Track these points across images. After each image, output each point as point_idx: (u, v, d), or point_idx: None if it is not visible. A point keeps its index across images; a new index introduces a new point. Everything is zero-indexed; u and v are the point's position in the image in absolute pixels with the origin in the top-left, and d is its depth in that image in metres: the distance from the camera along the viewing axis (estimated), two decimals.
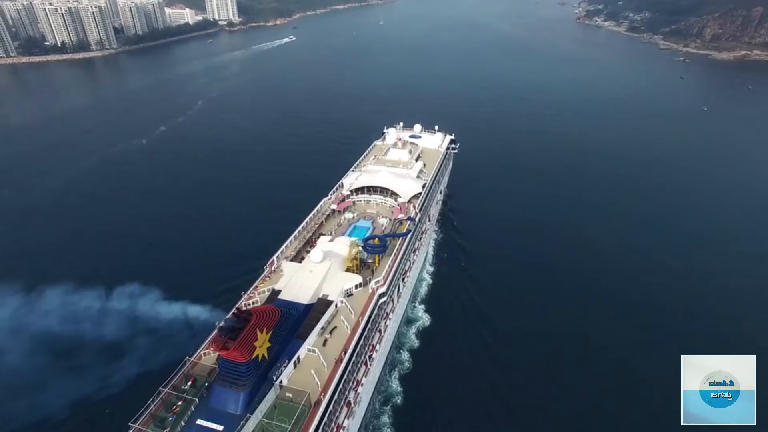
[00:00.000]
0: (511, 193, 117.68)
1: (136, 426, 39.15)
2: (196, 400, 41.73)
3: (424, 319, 78.41)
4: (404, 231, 68.79)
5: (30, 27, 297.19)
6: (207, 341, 47.35)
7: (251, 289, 57.36)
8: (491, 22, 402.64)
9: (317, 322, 50.49)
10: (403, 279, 71.98)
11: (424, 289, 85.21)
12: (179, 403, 40.80)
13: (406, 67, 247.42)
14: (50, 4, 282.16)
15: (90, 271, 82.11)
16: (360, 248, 60.87)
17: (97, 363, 51.40)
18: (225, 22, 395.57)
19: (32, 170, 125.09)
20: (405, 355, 71.22)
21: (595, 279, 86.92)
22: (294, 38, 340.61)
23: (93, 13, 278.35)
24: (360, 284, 57.41)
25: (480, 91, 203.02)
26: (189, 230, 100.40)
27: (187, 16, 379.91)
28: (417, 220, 73.54)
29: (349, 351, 48.93)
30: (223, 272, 78.88)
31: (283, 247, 64.93)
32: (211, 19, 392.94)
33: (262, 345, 42.24)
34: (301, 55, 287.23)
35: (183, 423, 39.79)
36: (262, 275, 60.36)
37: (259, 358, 42.07)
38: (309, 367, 46.43)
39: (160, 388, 42.38)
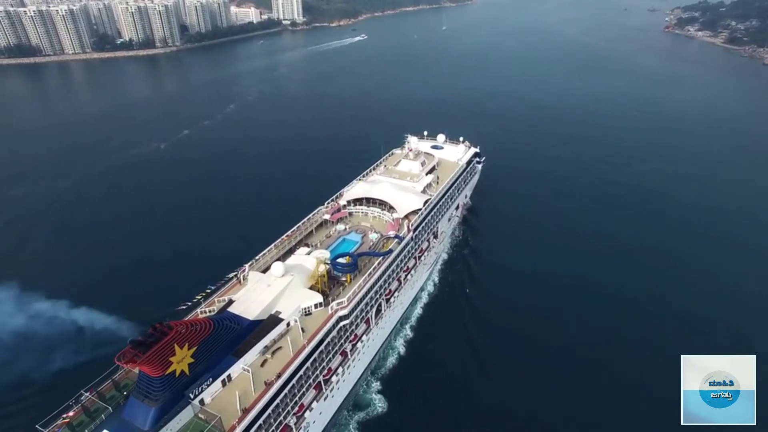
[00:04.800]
0: (548, 219, 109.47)
1: (45, 431, 39.88)
2: (110, 409, 42.01)
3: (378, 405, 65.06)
4: (386, 250, 66.19)
5: (109, 25, 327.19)
6: None
7: (214, 296, 57.45)
8: (565, 29, 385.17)
9: (260, 340, 49.39)
10: (388, 300, 69.39)
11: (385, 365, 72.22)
12: (70, 413, 41.07)
13: (456, 77, 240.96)
14: (125, 2, 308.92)
15: (69, 278, 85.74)
16: (328, 265, 59.28)
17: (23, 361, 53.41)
18: (288, 22, 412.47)
19: (49, 171, 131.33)
20: None
21: (595, 280, 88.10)
22: (365, 36, 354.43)
23: (159, 11, 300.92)
24: (320, 304, 55.70)
25: (532, 105, 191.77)
26: (174, 237, 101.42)
27: (252, 15, 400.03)
28: (408, 238, 70.64)
29: (286, 374, 47.24)
30: (204, 277, 79.44)
31: (260, 255, 64.67)
32: (276, 19, 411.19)
33: (181, 360, 41.69)
34: (352, 58, 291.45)
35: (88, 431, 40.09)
36: (230, 283, 60.34)
37: (177, 373, 41.52)
38: (238, 387, 45.35)
39: (82, 391, 43.14)
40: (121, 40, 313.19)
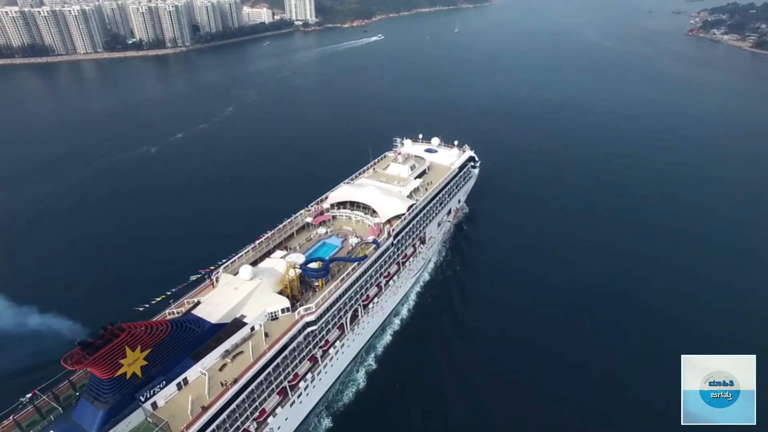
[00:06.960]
0: (546, 222, 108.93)
1: None
2: (60, 409, 42.59)
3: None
4: (362, 255, 65.99)
5: (122, 25, 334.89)
6: None
7: (184, 297, 57.83)
8: (585, 32, 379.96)
9: (220, 343, 49.64)
10: (366, 306, 69.21)
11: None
12: (9, 418, 41.63)
13: (461, 79, 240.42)
14: (138, 2, 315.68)
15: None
16: (298, 270, 59.33)
17: None
18: (300, 23, 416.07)
19: (35, 175, 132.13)
20: None
21: (594, 281, 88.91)
22: (378, 38, 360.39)
23: (170, 11, 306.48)
24: (287, 309, 55.78)
25: (539, 109, 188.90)
26: (156, 240, 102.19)
27: (264, 15, 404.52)
28: (387, 244, 70.37)
29: (244, 379, 47.34)
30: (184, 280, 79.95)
31: (236, 257, 64.93)
32: (288, 19, 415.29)
33: (133, 363, 42.07)
34: (359, 60, 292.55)
35: None
36: (202, 285, 60.83)
37: (128, 375, 41.90)
38: (193, 391, 45.60)
39: (36, 391, 43.78)
40: (133, 40, 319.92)
